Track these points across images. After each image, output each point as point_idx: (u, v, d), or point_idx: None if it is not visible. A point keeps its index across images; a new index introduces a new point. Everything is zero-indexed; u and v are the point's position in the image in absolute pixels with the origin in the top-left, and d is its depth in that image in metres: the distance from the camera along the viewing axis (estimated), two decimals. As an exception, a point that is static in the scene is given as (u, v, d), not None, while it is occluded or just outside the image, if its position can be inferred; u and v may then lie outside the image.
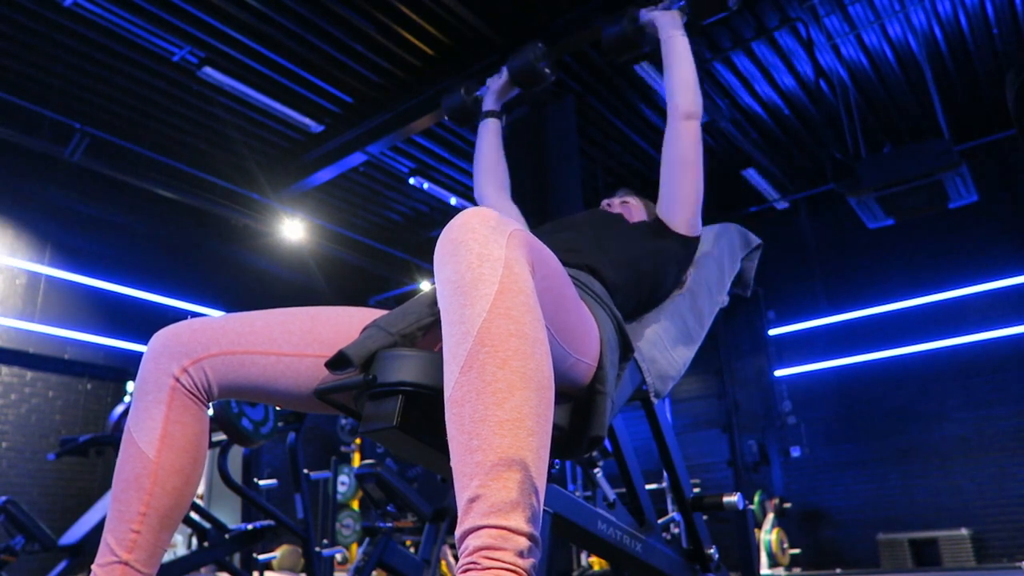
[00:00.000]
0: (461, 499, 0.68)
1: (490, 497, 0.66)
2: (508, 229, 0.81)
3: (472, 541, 0.65)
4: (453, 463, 0.71)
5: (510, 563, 0.64)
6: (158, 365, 1.01)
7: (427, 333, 1.02)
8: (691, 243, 1.56)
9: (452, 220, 0.82)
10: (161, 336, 1.04)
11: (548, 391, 0.76)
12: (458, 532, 0.68)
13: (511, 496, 0.66)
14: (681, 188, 1.54)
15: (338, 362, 0.93)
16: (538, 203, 4.92)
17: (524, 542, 0.66)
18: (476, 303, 0.74)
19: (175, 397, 1.00)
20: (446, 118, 2.04)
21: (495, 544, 0.65)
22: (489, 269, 0.76)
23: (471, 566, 0.64)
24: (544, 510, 1.02)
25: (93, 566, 0.95)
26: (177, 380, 1.00)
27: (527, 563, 0.66)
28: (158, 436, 0.98)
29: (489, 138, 1.95)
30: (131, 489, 0.96)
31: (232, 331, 1.05)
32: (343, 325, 1.11)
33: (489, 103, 2.00)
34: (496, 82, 2.01)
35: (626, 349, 1.21)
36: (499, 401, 0.70)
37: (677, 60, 1.64)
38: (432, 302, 1.02)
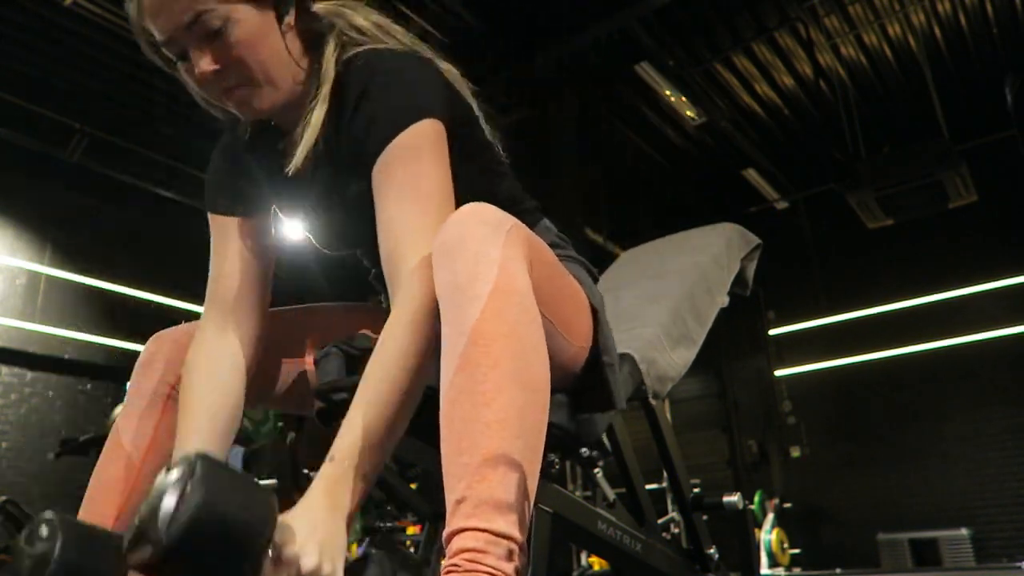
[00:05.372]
0: (449, 499, 0.68)
1: (476, 499, 0.66)
2: (506, 226, 0.79)
3: (457, 543, 0.65)
4: (443, 464, 0.70)
5: (493, 567, 0.64)
6: (154, 370, 1.00)
7: None
8: None
9: (449, 218, 0.80)
10: (158, 341, 1.03)
11: (541, 393, 0.74)
12: (445, 533, 0.67)
13: (497, 499, 0.66)
14: None
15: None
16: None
17: (509, 545, 0.65)
18: (470, 304, 0.73)
19: (169, 405, 0.99)
20: None
21: (479, 547, 0.64)
22: (485, 269, 0.74)
23: (453, 568, 0.64)
24: (544, 510, 1.02)
25: None
26: (173, 388, 0.99)
27: (510, 567, 0.65)
28: (147, 443, 0.97)
29: None
30: (108, 491, 0.96)
31: None
32: (339, 323, 1.11)
33: None
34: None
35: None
36: (488, 401, 0.69)
37: None
38: None
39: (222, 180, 1.09)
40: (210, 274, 1.07)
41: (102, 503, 0.96)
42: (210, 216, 1.09)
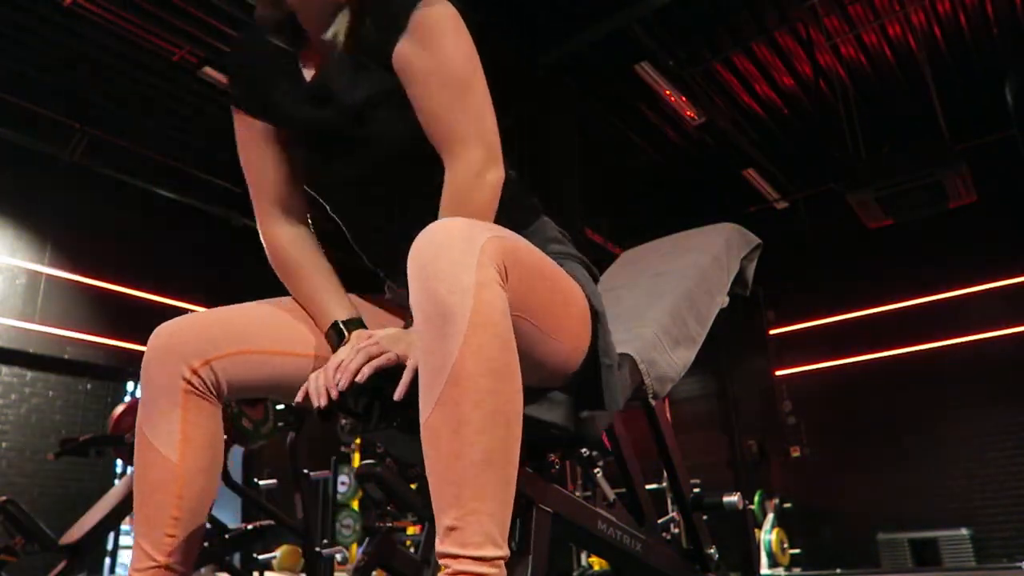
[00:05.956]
0: (440, 522, 0.76)
1: (466, 530, 0.75)
2: (479, 241, 0.80)
3: (451, 564, 0.74)
4: (431, 482, 0.77)
5: None
6: (165, 367, 0.99)
7: None
8: None
9: (420, 235, 0.81)
10: (163, 335, 1.01)
11: (517, 423, 0.80)
12: (438, 549, 0.76)
13: (484, 529, 0.75)
14: None
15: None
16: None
17: (496, 565, 0.75)
18: (448, 339, 0.77)
19: (189, 399, 0.99)
20: None
21: (471, 570, 0.73)
22: (459, 299, 0.77)
23: None
24: (544, 510, 1.03)
25: (130, 571, 0.96)
26: (188, 382, 0.98)
27: None
28: (178, 440, 0.97)
29: None
30: (158, 493, 0.96)
31: (240, 329, 1.04)
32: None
33: None
34: None
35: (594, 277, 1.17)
36: (473, 441, 0.76)
37: None
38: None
39: (243, 77, 1.17)
40: (246, 179, 1.17)
41: (155, 506, 0.96)
42: (234, 112, 1.17)
